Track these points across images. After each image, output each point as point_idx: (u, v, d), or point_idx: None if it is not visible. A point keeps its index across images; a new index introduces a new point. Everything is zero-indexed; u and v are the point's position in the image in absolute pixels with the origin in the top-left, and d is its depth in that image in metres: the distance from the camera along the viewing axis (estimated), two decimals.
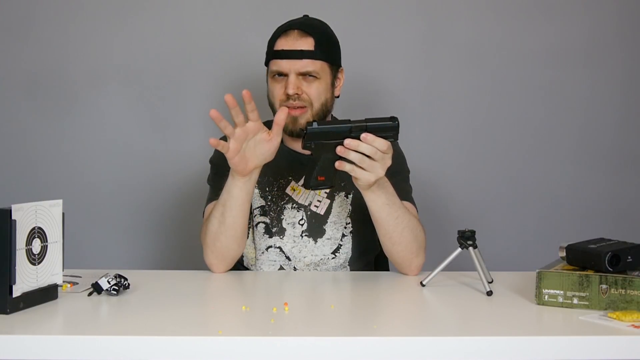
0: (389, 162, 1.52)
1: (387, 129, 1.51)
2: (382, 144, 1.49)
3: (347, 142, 1.48)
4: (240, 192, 1.63)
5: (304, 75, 1.73)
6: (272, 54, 1.75)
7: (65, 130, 2.46)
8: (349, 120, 1.52)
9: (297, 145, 1.76)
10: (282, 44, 1.74)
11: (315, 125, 1.50)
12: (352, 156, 1.49)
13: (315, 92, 1.73)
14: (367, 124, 1.50)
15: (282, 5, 2.38)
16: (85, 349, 1.15)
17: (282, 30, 1.76)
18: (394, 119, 1.52)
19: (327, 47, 1.77)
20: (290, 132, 1.74)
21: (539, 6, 2.50)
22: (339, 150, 1.49)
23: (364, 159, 1.49)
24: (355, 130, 1.49)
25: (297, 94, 1.71)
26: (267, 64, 1.79)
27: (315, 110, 1.74)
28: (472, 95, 2.50)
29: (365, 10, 2.47)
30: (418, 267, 1.69)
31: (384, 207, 1.61)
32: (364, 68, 2.43)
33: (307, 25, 1.77)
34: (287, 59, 1.72)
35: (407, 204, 1.76)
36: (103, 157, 2.47)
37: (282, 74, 1.73)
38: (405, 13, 2.48)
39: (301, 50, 1.72)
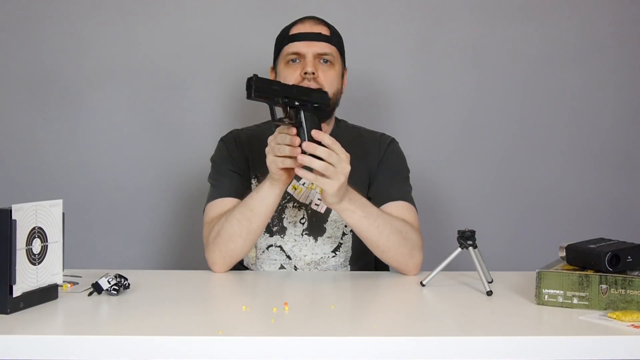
0: (347, 167, 1.50)
1: (322, 98, 1.58)
2: (330, 139, 1.50)
3: (305, 145, 1.48)
4: (276, 198, 1.64)
5: (320, 58, 1.75)
6: (289, 38, 1.77)
7: (65, 130, 2.46)
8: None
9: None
10: (299, 29, 1.78)
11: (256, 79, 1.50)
12: (316, 165, 1.47)
13: (329, 77, 1.75)
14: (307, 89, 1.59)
15: (283, 6, 2.38)
16: (85, 349, 1.15)
17: (297, 20, 1.81)
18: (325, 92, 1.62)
19: (339, 39, 1.83)
20: None
21: (537, 7, 2.50)
22: (300, 159, 1.48)
23: (328, 166, 1.48)
24: (299, 90, 1.55)
25: (313, 72, 1.73)
26: (277, 54, 1.81)
27: None
28: (472, 95, 2.50)
29: (365, 11, 2.47)
30: (415, 267, 1.69)
31: (362, 220, 1.62)
32: (364, 68, 2.43)
33: (319, 18, 1.83)
34: (305, 41, 1.75)
35: (407, 204, 1.76)
36: (103, 157, 2.47)
37: (298, 58, 1.75)
38: (405, 13, 2.48)
39: (319, 33, 1.77)
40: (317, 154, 1.48)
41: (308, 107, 1.54)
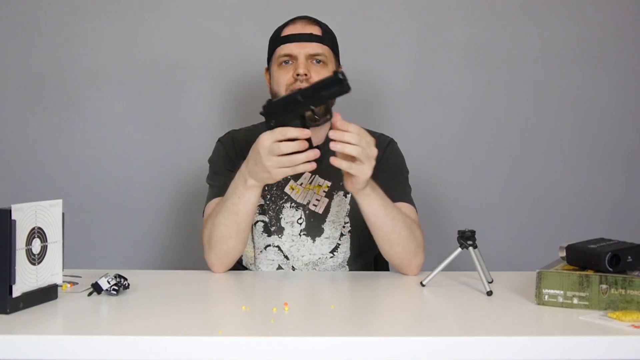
0: (375, 150, 1.49)
1: (334, 82, 1.46)
2: (354, 127, 1.47)
3: (332, 134, 1.46)
4: (257, 198, 1.63)
5: (313, 58, 1.75)
6: (280, 40, 1.77)
7: (65, 130, 2.46)
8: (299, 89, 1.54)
9: None
10: (291, 30, 1.78)
11: (268, 101, 1.52)
12: (349, 149, 1.45)
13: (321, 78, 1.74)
14: (313, 85, 1.50)
15: (282, 6, 2.38)
16: (85, 349, 1.15)
17: (289, 21, 1.81)
18: (336, 72, 1.47)
19: (332, 38, 1.82)
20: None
21: (538, 7, 2.50)
22: (333, 146, 1.46)
23: (362, 149, 1.46)
24: (304, 93, 1.49)
25: (305, 74, 1.72)
26: (270, 56, 1.81)
27: None
28: (471, 95, 2.50)
29: (365, 11, 2.47)
30: (417, 267, 1.69)
31: (380, 209, 1.61)
32: (363, 68, 2.43)
33: (311, 17, 1.82)
34: (296, 42, 1.75)
35: (406, 204, 1.76)
36: (103, 157, 2.47)
37: (290, 59, 1.75)
38: (405, 13, 2.48)
39: (310, 34, 1.76)
40: (346, 140, 1.45)
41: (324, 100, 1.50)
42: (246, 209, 1.62)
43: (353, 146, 1.45)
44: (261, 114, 1.52)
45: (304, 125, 1.50)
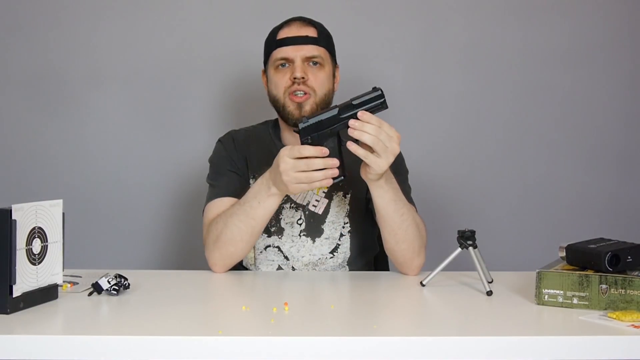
0: (397, 148, 1.50)
1: (373, 98, 1.51)
2: (377, 120, 1.49)
3: (352, 122, 1.48)
4: (276, 207, 1.64)
5: (309, 61, 1.75)
6: (276, 43, 1.77)
7: (65, 131, 2.46)
8: (336, 105, 1.54)
9: (296, 143, 1.76)
10: (286, 33, 1.77)
11: (305, 119, 1.53)
12: (366, 138, 1.47)
13: (319, 80, 1.75)
14: (352, 101, 1.51)
15: (282, 6, 2.37)
16: (85, 349, 1.15)
17: (283, 23, 1.80)
18: (376, 88, 1.52)
19: (328, 38, 1.81)
20: (295, 121, 1.72)
21: (537, 7, 2.50)
22: (351, 133, 1.48)
23: (378, 141, 1.47)
24: (343, 109, 1.51)
25: (303, 77, 1.72)
26: (267, 59, 1.81)
27: (318, 99, 1.75)
28: (471, 95, 2.50)
29: (364, 11, 2.48)
30: (419, 266, 1.69)
31: (390, 203, 1.61)
32: (363, 68, 2.43)
33: (306, 18, 1.82)
34: (292, 45, 1.74)
35: None
36: (103, 157, 2.47)
37: (287, 62, 1.75)
38: (404, 13, 2.48)
39: (306, 36, 1.76)
40: (365, 130, 1.48)
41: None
42: (264, 215, 1.63)
43: (370, 136, 1.47)
44: (296, 131, 1.54)
45: (339, 142, 1.52)
